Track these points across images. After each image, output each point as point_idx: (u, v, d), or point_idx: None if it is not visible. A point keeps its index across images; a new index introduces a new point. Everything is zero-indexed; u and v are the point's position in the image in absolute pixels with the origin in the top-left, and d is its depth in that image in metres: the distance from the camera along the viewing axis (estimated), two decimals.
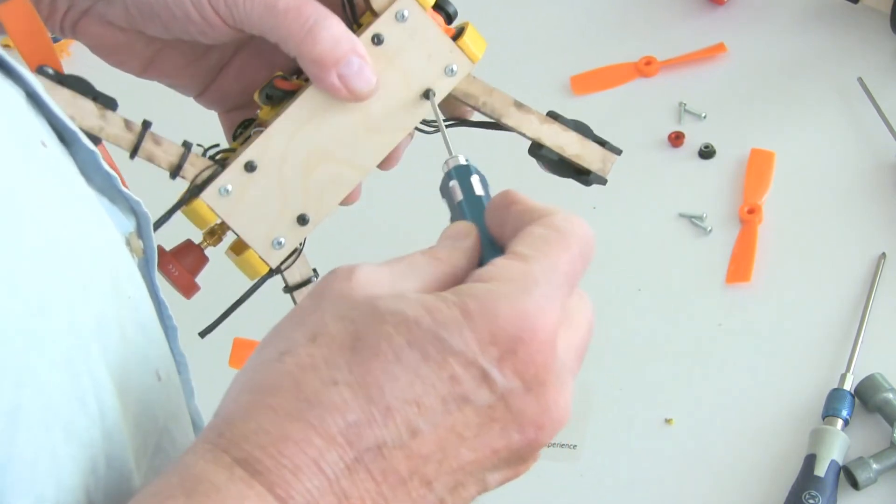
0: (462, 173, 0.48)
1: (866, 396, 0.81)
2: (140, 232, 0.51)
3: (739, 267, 0.91)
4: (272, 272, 0.60)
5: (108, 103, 0.56)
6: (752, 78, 1.04)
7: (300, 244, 0.60)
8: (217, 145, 0.60)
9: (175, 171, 0.57)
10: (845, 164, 0.96)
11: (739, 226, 0.94)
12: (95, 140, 0.55)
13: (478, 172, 0.48)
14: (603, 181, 0.63)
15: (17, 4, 0.53)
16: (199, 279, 0.61)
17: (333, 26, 0.55)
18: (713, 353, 0.87)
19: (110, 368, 0.41)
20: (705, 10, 1.10)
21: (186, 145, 0.58)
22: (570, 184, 1.00)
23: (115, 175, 0.49)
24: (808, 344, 0.86)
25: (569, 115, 1.08)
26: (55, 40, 1.24)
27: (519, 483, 0.42)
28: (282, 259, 0.59)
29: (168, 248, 0.60)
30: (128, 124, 0.56)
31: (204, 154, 0.59)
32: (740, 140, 0.99)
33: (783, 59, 1.04)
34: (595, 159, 0.62)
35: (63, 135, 0.47)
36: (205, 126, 0.65)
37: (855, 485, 0.78)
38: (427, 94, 0.59)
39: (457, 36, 0.59)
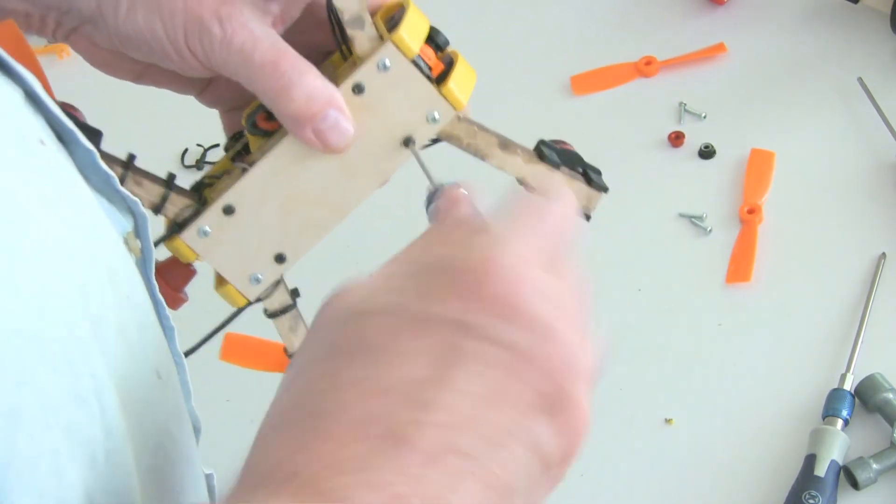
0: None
1: (866, 396, 0.81)
2: (137, 232, 0.51)
3: (739, 267, 0.91)
4: (252, 303, 0.61)
5: (91, 137, 0.55)
6: (752, 78, 1.04)
7: (278, 278, 0.61)
8: (217, 145, 0.60)
9: (157, 210, 0.58)
10: (845, 164, 0.96)
11: (739, 226, 0.94)
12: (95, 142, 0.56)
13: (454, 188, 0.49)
14: (587, 218, 0.62)
15: (3, 26, 0.54)
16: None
17: (308, 82, 0.54)
18: (713, 353, 0.87)
19: (110, 368, 0.42)
20: (705, 10, 1.10)
21: (168, 183, 0.58)
22: None
23: (113, 175, 0.49)
24: (808, 344, 0.86)
25: (569, 116, 1.09)
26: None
27: None
28: (259, 293, 0.60)
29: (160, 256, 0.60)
30: (110, 166, 0.56)
31: (202, 157, 0.59)
32: (740, 140, 0.99)
33: (783, 59, 1.04)
34: (580, 197, 0.62)
35: (61, 134, 0.47)
36: (210, 117, 0.66)
37: (855, 485, 0.78)
38: (407, 143, 0.58)
39: (444, 75, 0.57)
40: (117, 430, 0.41)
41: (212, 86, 0.63)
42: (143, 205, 0.56)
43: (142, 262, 0.51)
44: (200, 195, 0.59)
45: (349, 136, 0.56)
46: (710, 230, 0.94)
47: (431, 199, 0.51)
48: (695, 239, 0.94)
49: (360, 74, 0.56)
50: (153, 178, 0.58)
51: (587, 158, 0.62)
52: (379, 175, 0.58)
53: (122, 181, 0.56)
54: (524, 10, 1.15)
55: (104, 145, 0.56)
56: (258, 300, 0.61)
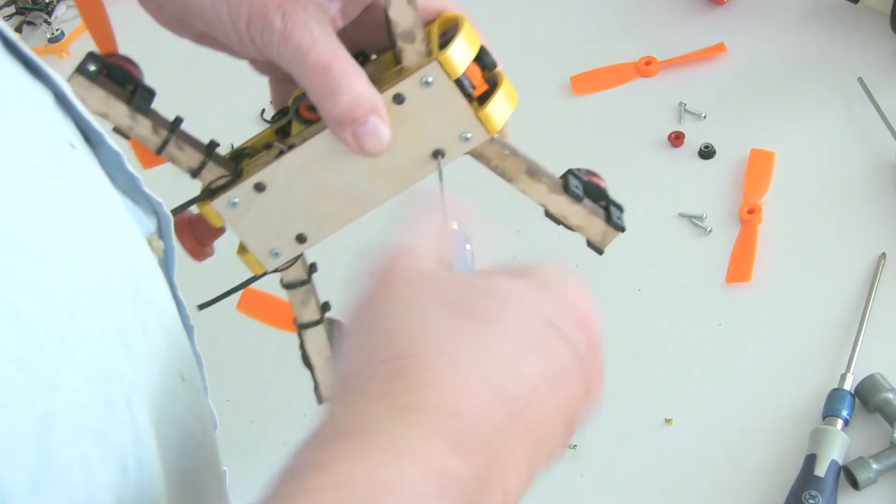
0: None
1: (866, 396, 0.81)
2: (161, 232, 0.52)
3: (739, 267, 0.91)
4: (269, 272, 0.63)
5: (144, 97, 0.58)
6: (752, 78, 1.04)
7: (297, 255, 0.63)
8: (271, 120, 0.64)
9: (194, 175, 0.60)
10: (845, 164, 0.96)
11: (739, 226, 0.94)
12: (125, 136, 0.59)
13: (459, 239, 0.52)
14: (599, 252, 0.63)
15: None
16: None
17: (356, 88, 0.55)
18: (713, 353, 0.87)
19: (137, 372, 0.42)
20: (705, 10, 1.10)
21: (209, 151, 0.60)
22: None
23: (138, 176, 0.50)
24: (808, 344, 0.86)
25: (569, 116, 1.09)
26: (57, 39, 1.24)
27: None
28: (277, 265, 0.63)
29: None
30: (155, 128, 0.59)
31: (231, 156, 0.62)
32: (740, 140, 0.99)
33: (783, 59, 1.04)
34: (596, 232, 0.63)
35: (88, 135, 0.48)
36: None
37: (855, 485, 0.78)
38: (436, 155, 0.59)
39: (486, 95, 0.59)
40: (146, 436, 0.42)
41: (262, 57, 0.63)
42: (181, 168, 0.59)
43: (164, 263, 0.52)
44: (237, 165, 0.61)
45: (385, 143, 0.57)
46: (710, 230, 0.94)
47: None
48: (695, 239, 0.94)
49: (403, 86, 0.57)
50: (195, 144, 0.60)
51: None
52: (404, 181, 0.60)
53: (165, 143, 0.59)
54: (524, 10, 1.15)
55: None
56: (275, 271, 0.63)
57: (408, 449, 0.38)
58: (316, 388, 0.68)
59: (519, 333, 0.43)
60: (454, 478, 0.38)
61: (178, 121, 0.60)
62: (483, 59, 0.59)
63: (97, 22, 0.60)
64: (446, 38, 0.58)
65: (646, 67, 1.06)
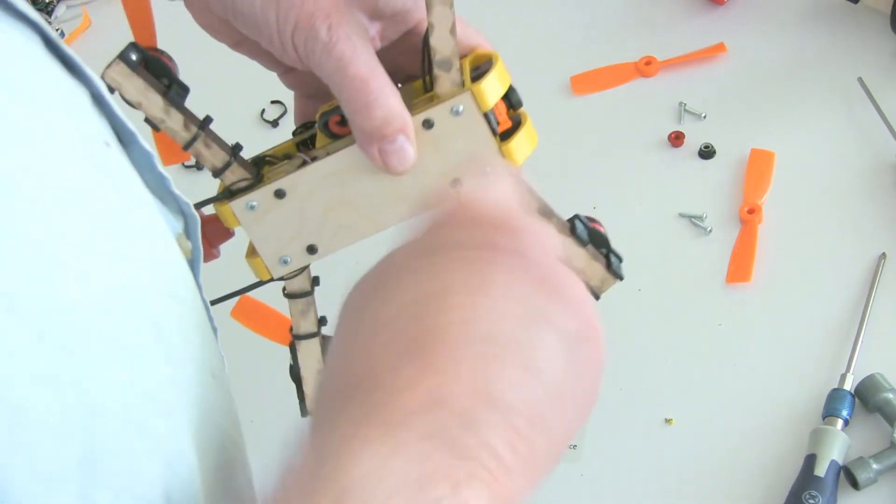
0: None
1: (866, 396, 0.81)
2: (188, 233, 0.53)
3: (739, 267, 0.91)
4: (274, 279, 0.64)
5: (178, 91, 0.60)
6: (752, 78, 1.04)
7: (305, 266, 0.64)
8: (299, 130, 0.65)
9: (216, 174, 0.61)
10: (845, 164, 0.96)
11: (739, 226, 0.94)
12: (155, 127, 0.60)
13: None
14: (595, 297, 0.64)
15: None
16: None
17: (389, 105, 0.57)
18: (713, 353, 0.87)
19: (173, 369, 0.43)
20: (705, 10, 1.10)
21: (234, 152, 0.61)
22: (571, 185, 1.00)
23: (168, 176, 0.51)
24: (808, 344, 0.86)
25: (569, 116, 1.09)
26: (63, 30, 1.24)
27: None
28: (284, 273, 0.64)
29: None
30: (186, 124, 0.59)
31: (252, 162, 0.63)
32: (740, 140, 0.99)
33: (783, 59, 1.04)
34: (595, 277, 0.64)
35: (121, 135, 0.49)
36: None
37: (855, 485, 0.78)
38: (455, 184, 0.60)
39: (509, 132, 0.60)
40: (183, 431, 0.42)
41: (296, 70, 0.64)
42: (206, 166, 0.60)
43: (191, 264, 0.52)
44: (259, 171, 0.62)
45: (408, 164, 0.58)
46: (710, 230, 0.94)
47: None
48: (695, 239, 0.94)
49: (434, 112, 0.58)
50: (222, 145, 0.61)
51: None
52: (420, 206, 0.61)
53: (194, 140, 0.60)
54: (524, 11, 1.15)
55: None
56: (281, 279, 0.64)
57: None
58: (301, 402, 0.68)
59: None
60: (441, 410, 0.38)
61: (209, 120, 0.60)
62: (510, 98, 0.61)
63: (140, 15, 0.61)
64: (478, 72, 0.60)
65: (646, 67, 1.06)
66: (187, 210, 0.53)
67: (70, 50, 0.46)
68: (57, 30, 1.24)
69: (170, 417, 0.42)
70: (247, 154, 0.62)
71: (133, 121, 0.50)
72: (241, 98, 1.10)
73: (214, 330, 0.53)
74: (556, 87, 1.07)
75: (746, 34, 1.06)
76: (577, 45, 1.10)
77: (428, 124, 0.58)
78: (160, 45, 0.62)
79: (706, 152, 0.99)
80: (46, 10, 1.27)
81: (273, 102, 1.12)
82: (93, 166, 0.42)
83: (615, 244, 0.64)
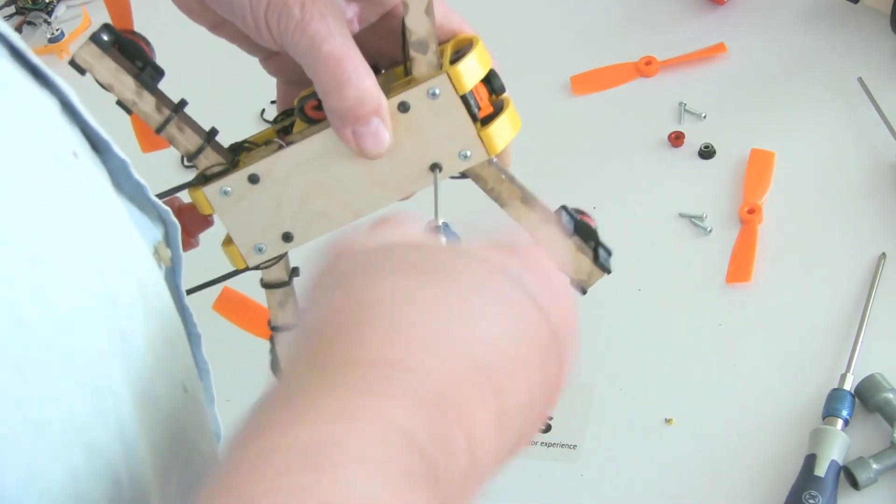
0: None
1: (866, 396, 0.81)
2: (168, 241, 0.52)
3: (739, 267, 0.91)
4: (250, 268, 0.63)
5: (152, 75, 0.59)
6: (752, 78, 1.04)
7: (281, 254, 0.63)
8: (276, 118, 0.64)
9: (190, 158, 0.60)
10: (845, 164, 0.96)
11: (739, 226, 0.94)
12: (128, 110, 0.59)
13: (450, 234, 0.53)
14: (582, 292, 0.63)
15: None
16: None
17: (363, 86, 0.56)
18: (713, 353, 0.87)
19: (131, 383, 0.42)
20: (705, 10, 1.10)
21: (208, 137, 0.60)
22: (571, 184, 1.00)
23: (145, 184, 0.50)
24: (808, 344, 0.86)
25: (569, 116, 1.09)
26: (57, 39, 1.24)
27: (519, 482, 0.42)
28: (260, 262, 0.63)
29: None
30: (159, 106, 0.59)
31: (230, 148, 0.61)
32: (740, 140, 0.99)
33: (783, 59, 1.04)
34: (582, 270, 0.63)
35: (95, 143, 0.48)
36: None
37: (855, 485, 0.78)
38: (433, 168, 0.59)
39: (490, 118, 0.59)
40: (136, 448, 0.41)
41: (277, 56, 0.64)
42: (179, 150, 0.59)
43: (171, 272, 0.51)
44: (235, 157, 0.61)
45: (383, 147, 0.57)
46: (710, 230, 0.94)
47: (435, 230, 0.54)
48: (695, 239, 0.94)
49: (410, 95, 0.57)
50: (196, 129, 0.60)
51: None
52: (400, 191, 0.60)
53: (166, 122, 0.59)
54: (524, 10, 1.15)
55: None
56: (257, 268, 0.63)
57: (359, 406, 0.37)
58: None
59: (480, 288, 0.42)
60: (406, 432, 0.36)
61: (183, 103, 0.60)
62: (492, 82, 0.59)
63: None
64: (459, 55, 0.59)
65: (646, 67, 1.06)
66: (167, 217, 0.52)
67: (37, 59, 0.45)
68: (57, 30, 1.24)
69: (121, 437, 0.40)
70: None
71: (107, 128, 0.49)
72: (241, 98, 1.10)
73: (197, 337, 0.52)
74: (556, 87, 1.07)
75: (746, 34, 1.06)
76: (577, 45, 1.10)
77: (404, 107, 0.57)
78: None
79: (706, 152, 0.99)
80: (46, 10, 1.27)
81: (273, 102, 1.12)
82: (59, 178, 0.41)
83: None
